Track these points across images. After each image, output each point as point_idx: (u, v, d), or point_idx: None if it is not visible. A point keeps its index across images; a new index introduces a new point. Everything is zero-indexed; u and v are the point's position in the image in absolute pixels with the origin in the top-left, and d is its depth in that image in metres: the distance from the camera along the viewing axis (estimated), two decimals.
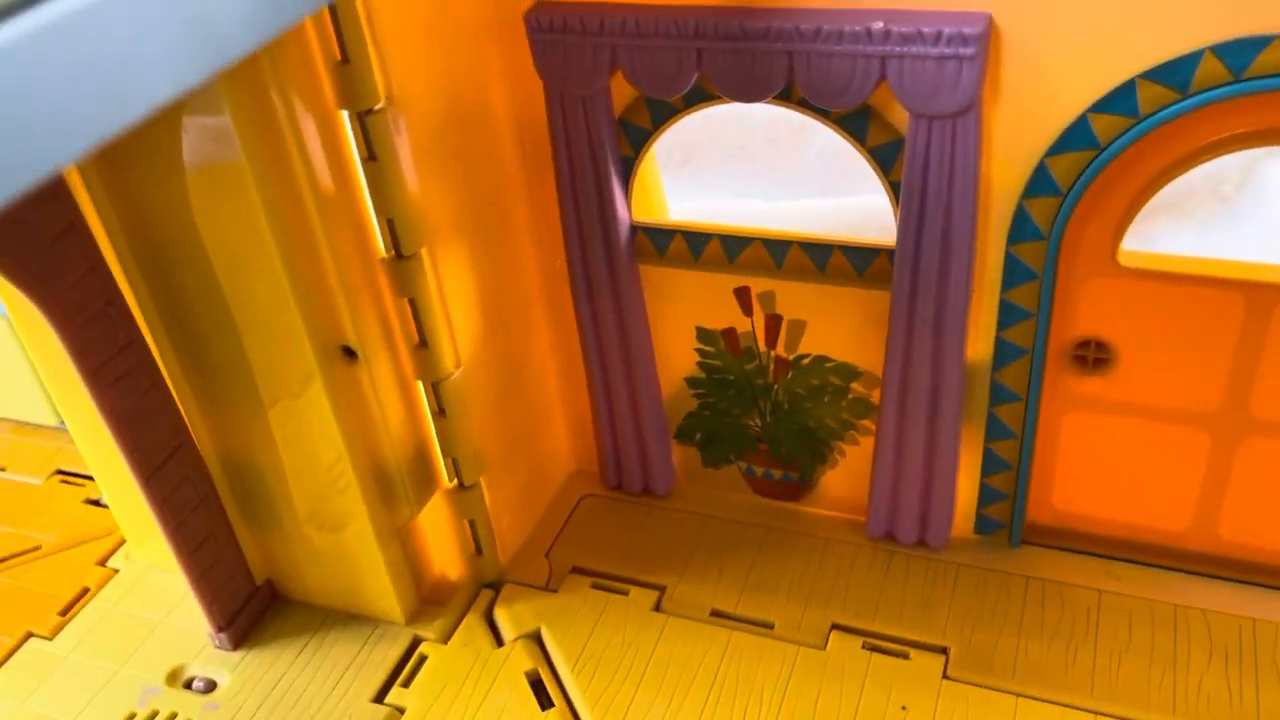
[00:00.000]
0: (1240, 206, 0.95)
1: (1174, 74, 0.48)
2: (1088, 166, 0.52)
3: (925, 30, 0.49)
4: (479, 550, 0.68)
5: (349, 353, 0.57)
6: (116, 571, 0.73)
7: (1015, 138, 0.53)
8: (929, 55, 0.50)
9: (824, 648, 0.63)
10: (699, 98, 0.57)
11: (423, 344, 0.59)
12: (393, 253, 0.56)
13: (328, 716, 0.62)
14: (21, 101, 0.24)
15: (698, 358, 0.68)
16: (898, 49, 0.50)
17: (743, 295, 0.64)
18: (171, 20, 0.28)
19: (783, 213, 1.01)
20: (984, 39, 0.49)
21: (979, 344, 0.60)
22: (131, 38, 0.26)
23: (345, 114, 0.52)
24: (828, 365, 0.64)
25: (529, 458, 0.72)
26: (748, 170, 1.09)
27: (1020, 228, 0.55)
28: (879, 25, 0.50)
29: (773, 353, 0.65)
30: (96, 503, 0.79)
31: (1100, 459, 0.63)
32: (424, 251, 0.56)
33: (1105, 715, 0.57)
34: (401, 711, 0.62)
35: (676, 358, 0.68)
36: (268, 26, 0.31)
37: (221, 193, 0.51)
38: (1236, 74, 0.48)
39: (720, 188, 1.07)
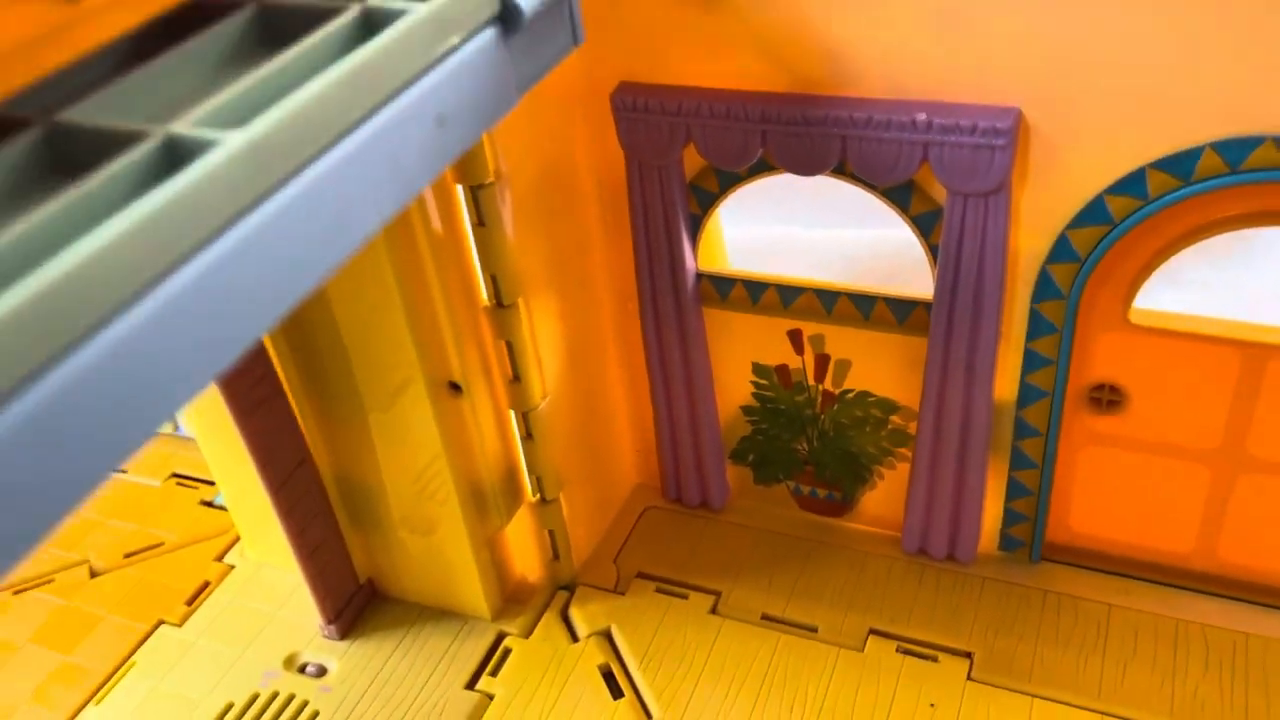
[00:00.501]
0: (1256, 244, 1.02)
1: (1178, 165, 0.56)
2: (1103, 239, 0.60)
3: (963, 123, 0.57)
4: (556, 556, 0.77)
5: (455, 387, 0.65)
6: (232, 567, 0.83)
7: (1040, 213, 0.60)
8: (965, 144, 0.57)
9: (862, 650, 0.71)
10: (761, 169, 0.65)
11: (516, 379, 0.68)
12: (494, 302, 0.65)
13: (426, 700, 0.71)
14: (298, 242, 0.32)
15: (753, 389, 0.76)
16: (939, 137, 0.58)
17: (795, 337, 0.72)
18: (380, 169, 0.36)
19: (819, 241, 1.08)
20: (1014, 130, 0.57)
21: (1005, 386, 0.68)
22: (357, 191, 0.35)
23: (460, 187, 0.60)
24: (869, 400, 0.72)
25: (599, 474, 0.80)
26: (790, 196, 1.17)
27: (1043, 289, 0.63)
28: (923, 117, 0.58)
29: (820, 387, 0.73)
30: (210, 504, 0.89)
31: (1113, 487, 0.71)
32: (520, 301, 0.65)
33: (1111, 716, 0.65)
34: (491, 697, 0.71)
35: (734, 388, 0.76)
36: (444, 158, 0.40)
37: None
38: (1233, 167, 0.55)
39: (763, 213, 1.14)
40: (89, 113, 0.32)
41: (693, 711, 0.68)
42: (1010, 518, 0.74)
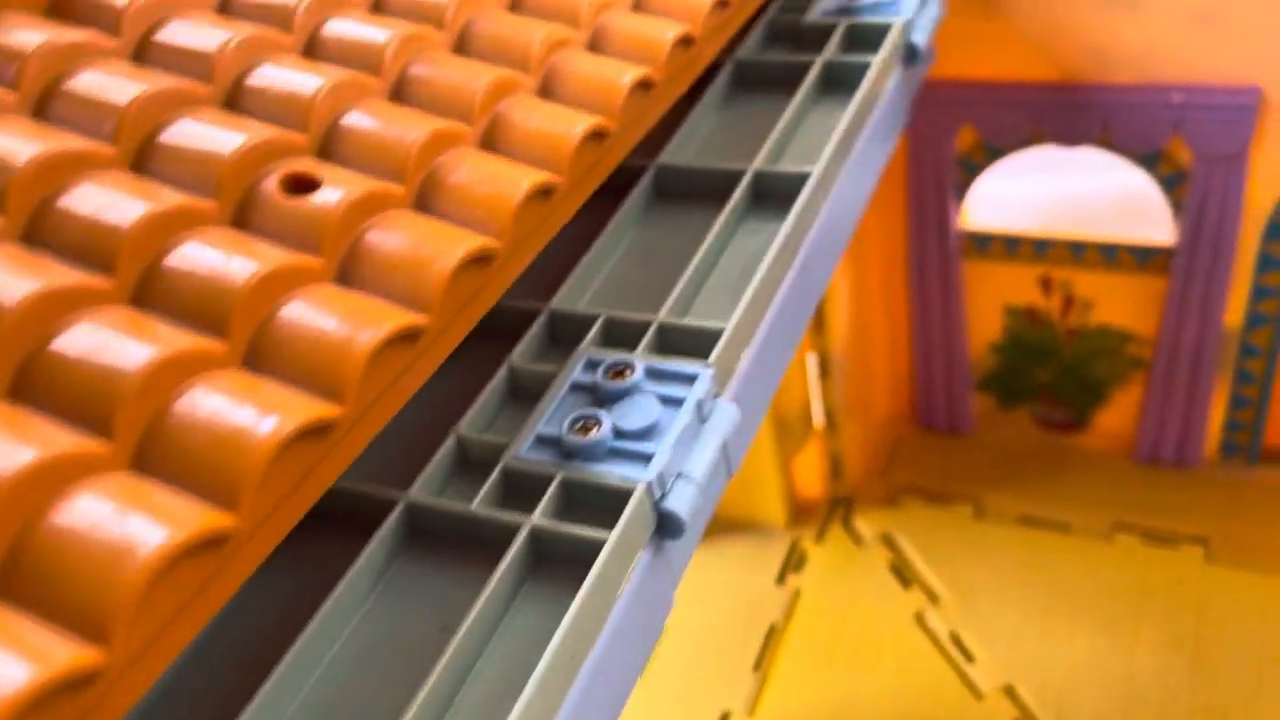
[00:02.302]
0: None
1: None
2: None
3: (1213, 100, 0.70)
4: (837, 475, 0.92)
5: None
6: None
7: (1272, 173, 0.73)
8: (1215, 119, 0.70)
9: (1111, 541, 0.85)
10: (1026, 141, 0.79)
11: (820, 328, 0.83)
12: None
13: (748, 594, 0.87)
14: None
15: (1003, 328, 0.89)
16: (1191, 114, 0.71)
17: (1045, 282, 0.85)
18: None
19: (1063, 191, 1.18)
20: (1255, 105, 0.69)
21: (1234, 313, 0.80)
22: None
23: None
24: (1110, 331, 0.86)
25: (866, 405, 0.95)
26: None
27: (1273, 232, 0.75)
28: (1176, 96, 0.71)
29: (1065, 322, 0.87)
30: None
31: None
32: None
33: None
34: (799, 592, 0.87)
35: (986, 328, 0.90)
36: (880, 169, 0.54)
37: None
38: None
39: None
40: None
41: (974, 596, 0.83)
42: (1232, 426, 0.87)
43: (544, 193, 0.35)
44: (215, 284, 0.28)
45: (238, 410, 0.26)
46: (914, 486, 0.93)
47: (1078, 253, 0.82)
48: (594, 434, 0.34)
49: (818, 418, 0.89)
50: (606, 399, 0.35)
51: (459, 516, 0.33)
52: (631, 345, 0.39)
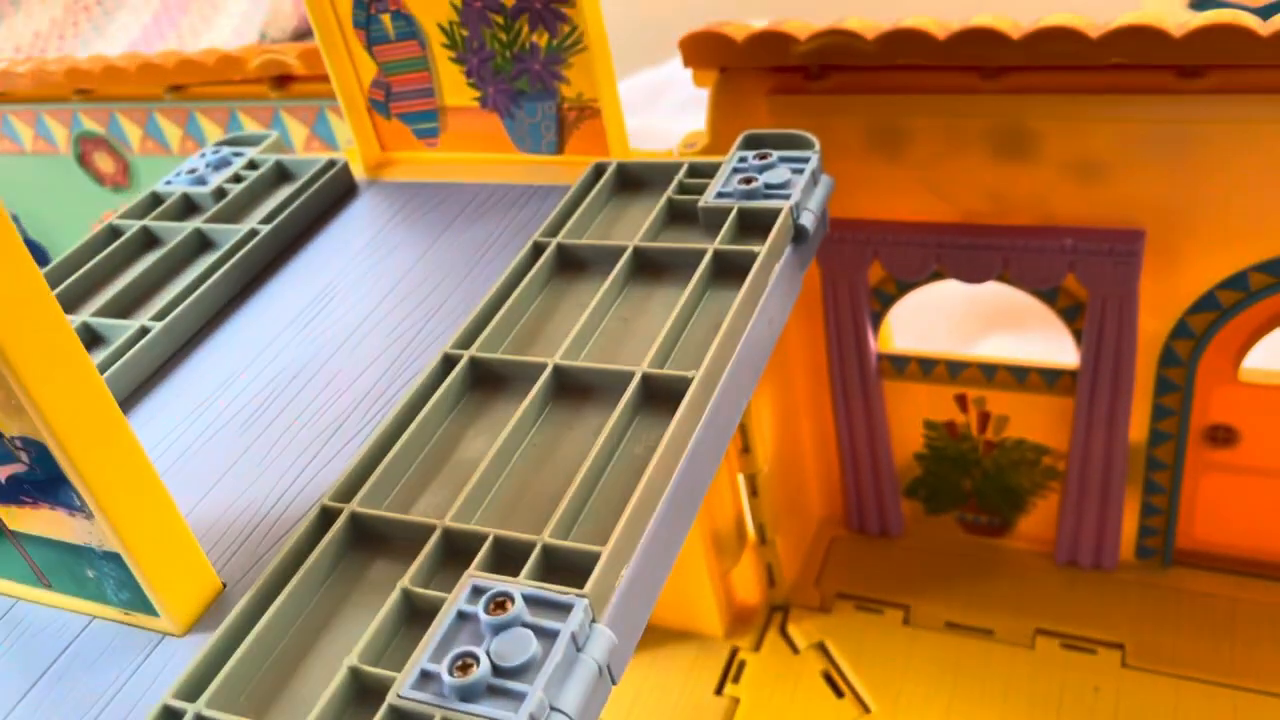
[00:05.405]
0: None
1: (1274, 267, 0.72)
2: (1214, 321, 0.76)
3: (1101, 245, 0.74)
4: (772, 583, 0.95)
5: None
6: None
7: (1163, 304, 0.77)
8: (1104, 260, 0.74)
9: (1033, 647, 0.89)
10: (931, 277, 0.83)
11: (745, 450, 0.86)
12: None
13: (688, 703, 0.90)
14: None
15: (925, 440, 0.93)
16: (1082, 256, 0.75)
17: (961, 400, 0.89)
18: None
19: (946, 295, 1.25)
20: (1141, 247, 0.74)
21: (1138, 431, 0.85)
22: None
23: None
24: (1025, 445, 0.90)
25: (799, 513, 0.98)
26: None
27: (1168, 358, 0.80)
28: (1069, 241, 0.75)
29: (982, 437, 0.91)
30: None
31: (1230, 504, 0.88)
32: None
33: (1243, 689, 0.82)
34: (737, 701, 0.90)
35: (908, 440, 0.94)
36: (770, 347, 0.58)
37: None
38: None
39: None
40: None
41: (902, 704, 0.86)
42: (1145, 532, 0.91)
43: None
44: None
45: None
46: (847, 594, 0.97)
47: (989, 373, 0.87)
48: (472, 674, 0.37)
49: (751, 533, 0.93)
50: (488, 631, 0.39)
51: None
52: (518, 564, 0.42)
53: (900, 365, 0.89)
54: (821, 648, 0.93)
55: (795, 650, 0.93)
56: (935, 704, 0.86)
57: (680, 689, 0.92)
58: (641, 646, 0.96)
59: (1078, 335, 0.81)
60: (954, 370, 0.88)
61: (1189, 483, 0.87)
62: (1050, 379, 0.85)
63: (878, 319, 0.87)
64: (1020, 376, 0.86)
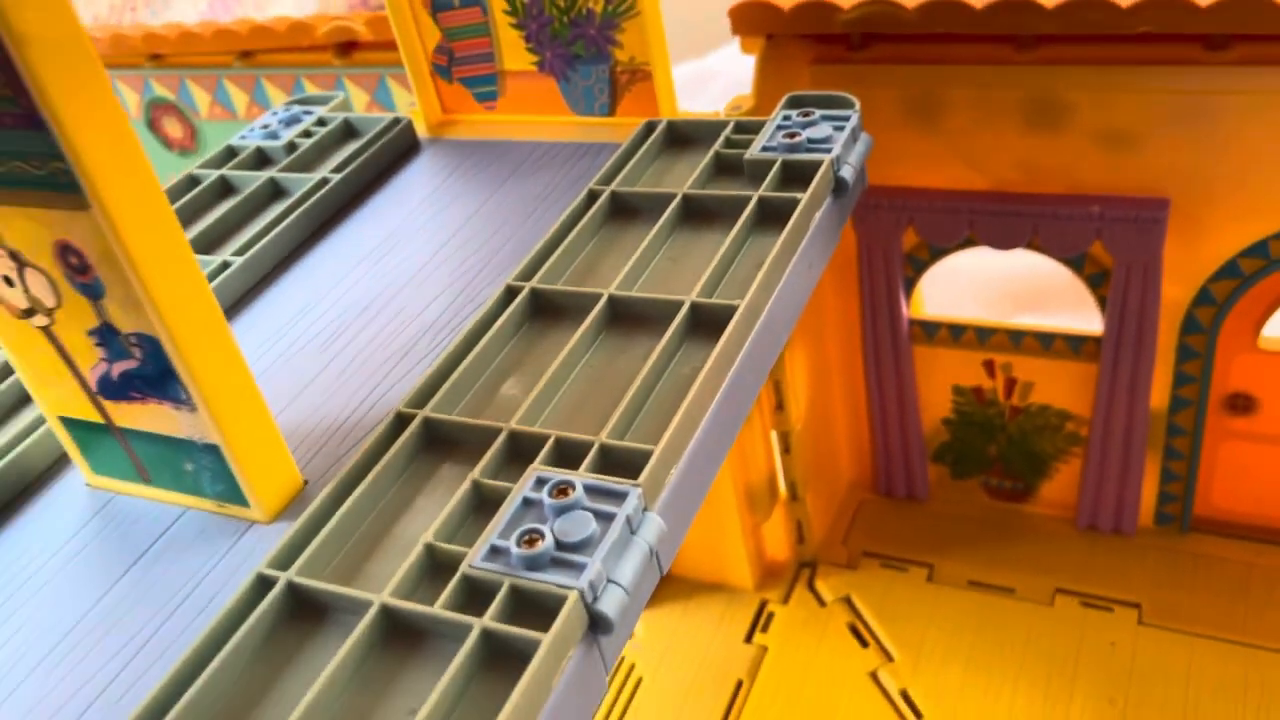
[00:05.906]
0: None
1: None
2: (1236, 289, 0.79)
3: (1128, 212, 0.77)
4: (801, 540, 0.99)
5: None
6: None
7: (1187, 271, 0.80)
8: (1130, 228, 0.78)
9: (1052, 604, 0.92)
10: (964, 244, 0.86)
11: (779, 408, 0.90)
12: None
13: (718, 650, 0.94)
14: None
15: (952, 405, 0.97)
16: (1108, 224, 0.78)
17: (988, 365, 0.93)
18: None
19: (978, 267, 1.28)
20: (1166, 215, 0.77)
21: (1159, 397, 0.88)
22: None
23: None
24: (1049, 411, 0.93)
25: (828, 475, 1.02)
26: None
27: (1190, 325, 0.83)
28: (1096, 208, 0.78)
29: (1008, 402, 0.94)
30: None
31: (1247, 471, 0.91)
32: (785, 352, 0.87)
33: (1256, 647, 0.85)
34: (765, 649, 0.93)
35: (936, 405, 0.97)
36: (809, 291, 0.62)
37: None
38: None
39: None
40: None
41: (924, 654, 0.90)
42: (1164, 498, 0.94)
43: None
44: None
45: None
46: (873, 551, 1.00)
47: (1016, 340, 0.90)
48: (538, 547, 0.41)
49: (782, 489, 0.97)
50: (551, 514, 0.43)
51: (424, 616, 0.40)
52: (577, 462, 0.46)
53: (931, 331, 0.93)
54: (847, 601, 0.96)
55: (822, 603, 0.97)
56: (956, 655, 0.90)
57: (711, 637, 0.96)
58: (674, 597, 1.00)
59: (1102, 302, 0.84)
60: (982, 336, 0.91)
61: (1208, 450, 0.90)
62: (1075, 345, 0.88)
63: (910, 284, 0.91)
64: (1046, 343, 0.89)
